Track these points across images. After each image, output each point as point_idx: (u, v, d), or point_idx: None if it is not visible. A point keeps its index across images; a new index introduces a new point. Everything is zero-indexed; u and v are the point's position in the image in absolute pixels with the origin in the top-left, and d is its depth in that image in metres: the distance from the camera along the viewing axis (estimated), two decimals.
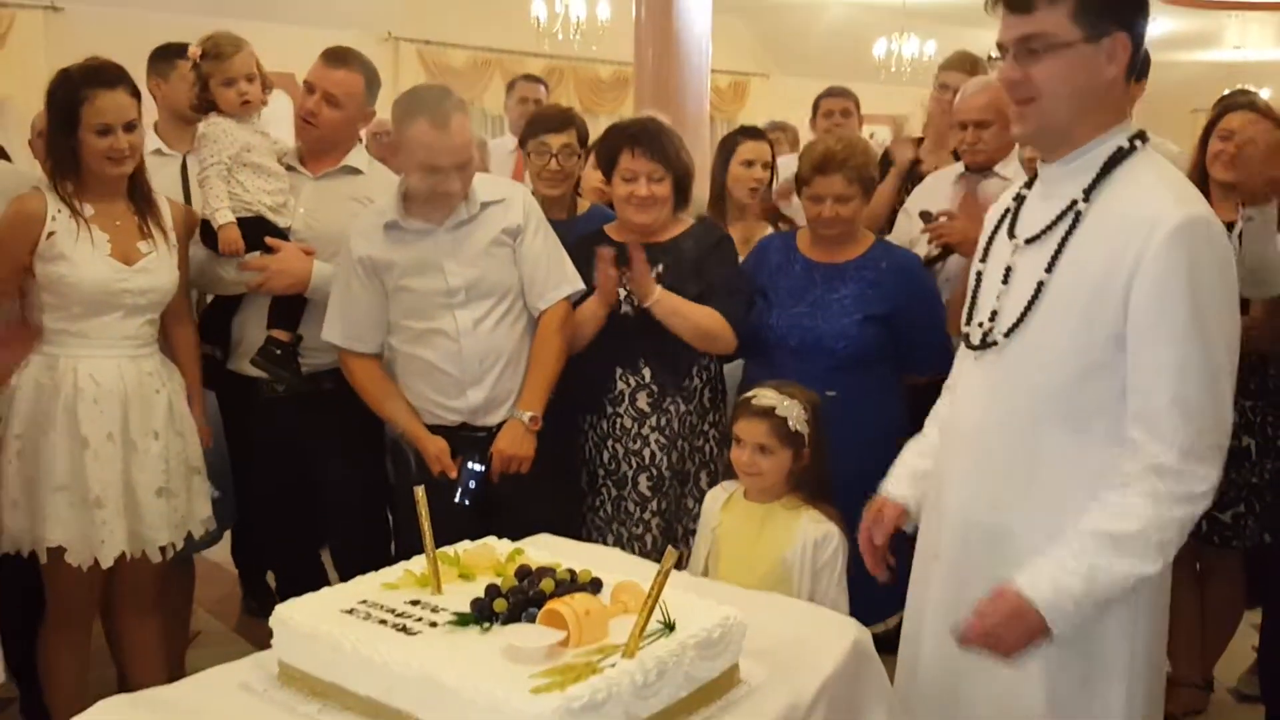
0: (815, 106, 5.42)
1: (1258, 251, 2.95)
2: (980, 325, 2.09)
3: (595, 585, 1.91)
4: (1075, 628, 1.89)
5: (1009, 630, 1.88)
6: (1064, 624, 1.87)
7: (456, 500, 2.98)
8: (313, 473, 3.48)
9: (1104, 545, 1.87)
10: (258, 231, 3.21)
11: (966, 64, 4.47)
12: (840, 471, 2.75)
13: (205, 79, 3.27)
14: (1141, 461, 1.87)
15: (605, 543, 3.22)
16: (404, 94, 3.04)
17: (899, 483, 2.33)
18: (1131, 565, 1.87)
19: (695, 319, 3.17)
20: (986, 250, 2.18)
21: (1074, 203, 1.98)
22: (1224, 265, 1.90)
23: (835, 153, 3.25)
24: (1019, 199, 2.15)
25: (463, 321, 3.05)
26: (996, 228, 2.17)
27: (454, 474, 3.03)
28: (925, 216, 3.59)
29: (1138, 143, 1.98)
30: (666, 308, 3.14)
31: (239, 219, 3.19)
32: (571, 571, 1.93)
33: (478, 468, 3.03)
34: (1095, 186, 1.96)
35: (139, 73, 2.97)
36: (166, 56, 3.81)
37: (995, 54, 2.00)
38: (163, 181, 3.35)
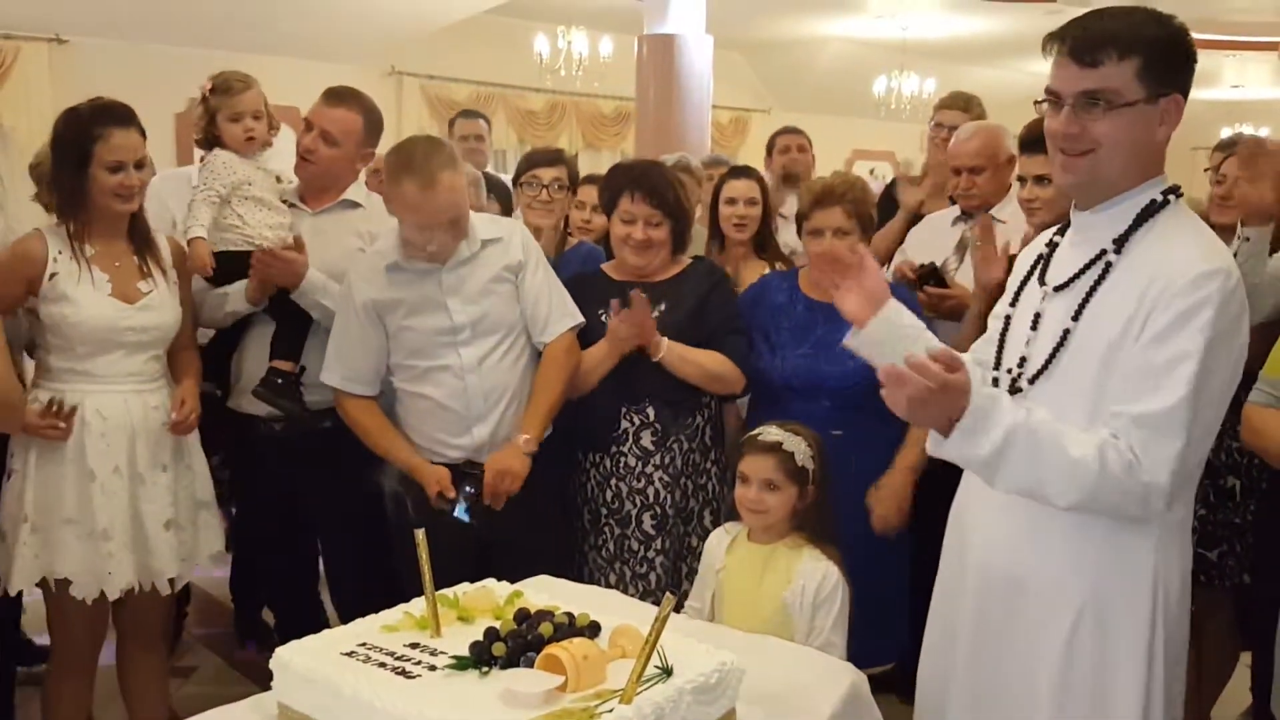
0: (771, 144, 5.73)
1: (1248, 276, 2.95)
2: (1009, 371, 2.09)
3: (594, 629, 1.91)
4: (972, 438, 1.82)
5: (939, 395, 1.79)
6: (973, 420, 1.80)
7: (455, 514, 2.97)
8: (312, 510, 3.49)
9: (1058, 437, 1.85)
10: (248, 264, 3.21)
11: (960, 103, 4.50)
12: (843, 512, 2.76)
13: (212, 113, 3.30)
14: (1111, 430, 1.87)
15: (608, 582, 3.20)
16: (395, 148, 3.02)
17: None
18: (1055, 471, 1.84)
19: (703, 364, 3.18)
20: (1017, 295, 2.17)
21: (1104, 252, 1.99)
22: (1242, 318, 1.92)
23: (834, 186, 3.28)
24: (1052, 245, 2.15)
25: (467, 358, 3.06)
26: (1029, 274, 2.17)
27: (452, 494, 3.01)
28: (927, 272, 3.55)
29: (1171, 197, 1.99)
30: (675, 356, 3.15)
31: (241, 252, 3.21)
32: (570, 615, 1.93)
33: (472, 490, 3.02)
34: (1127, 238, 1.97)
35: (146, 105, 2.99)
36: None
37: (1044, 100, 1.99)
38: None
